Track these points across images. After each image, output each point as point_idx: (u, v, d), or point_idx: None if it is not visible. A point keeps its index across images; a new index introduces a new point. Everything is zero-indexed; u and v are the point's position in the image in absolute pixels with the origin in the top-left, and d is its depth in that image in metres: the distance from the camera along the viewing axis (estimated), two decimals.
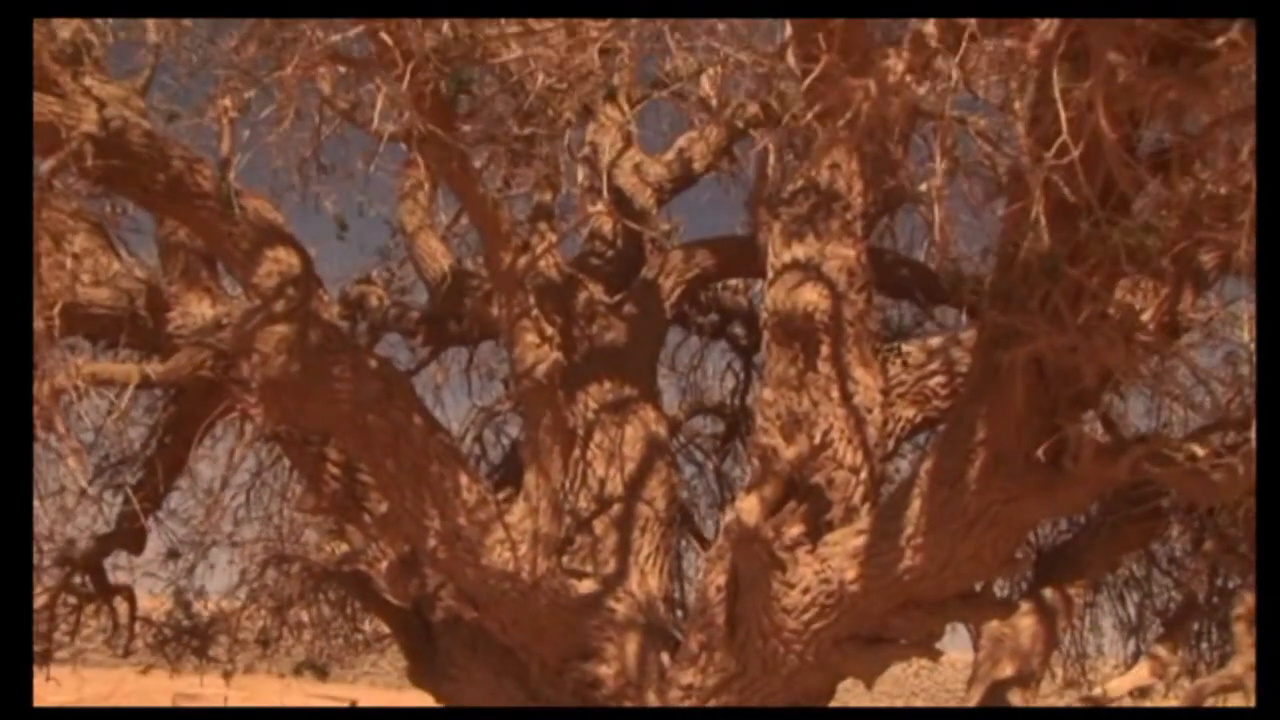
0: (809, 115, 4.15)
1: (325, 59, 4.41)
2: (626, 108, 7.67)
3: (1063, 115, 2.71)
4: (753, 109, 7.59)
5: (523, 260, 5.31)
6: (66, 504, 7.59)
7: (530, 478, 5.44)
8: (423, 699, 7.02)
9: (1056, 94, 2.71)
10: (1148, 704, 6.87)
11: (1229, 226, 3.82)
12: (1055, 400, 4.45)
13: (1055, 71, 2.72)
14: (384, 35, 4.23)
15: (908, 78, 3.04)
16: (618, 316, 6.49)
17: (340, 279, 8.33)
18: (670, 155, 7.83)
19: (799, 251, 5.58)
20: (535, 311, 5.25)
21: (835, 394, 5.42)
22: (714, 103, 7.92)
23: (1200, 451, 4.27)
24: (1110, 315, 3.84)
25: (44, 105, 5.16)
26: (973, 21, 3.19)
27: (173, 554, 8.84)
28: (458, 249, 8.45)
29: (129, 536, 8.04)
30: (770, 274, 5.70)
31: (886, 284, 6.96)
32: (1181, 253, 4.28)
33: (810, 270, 5.48)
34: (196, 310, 6.65)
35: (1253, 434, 4.18)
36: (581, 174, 7.06)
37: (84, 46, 5.15)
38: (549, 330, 5.32)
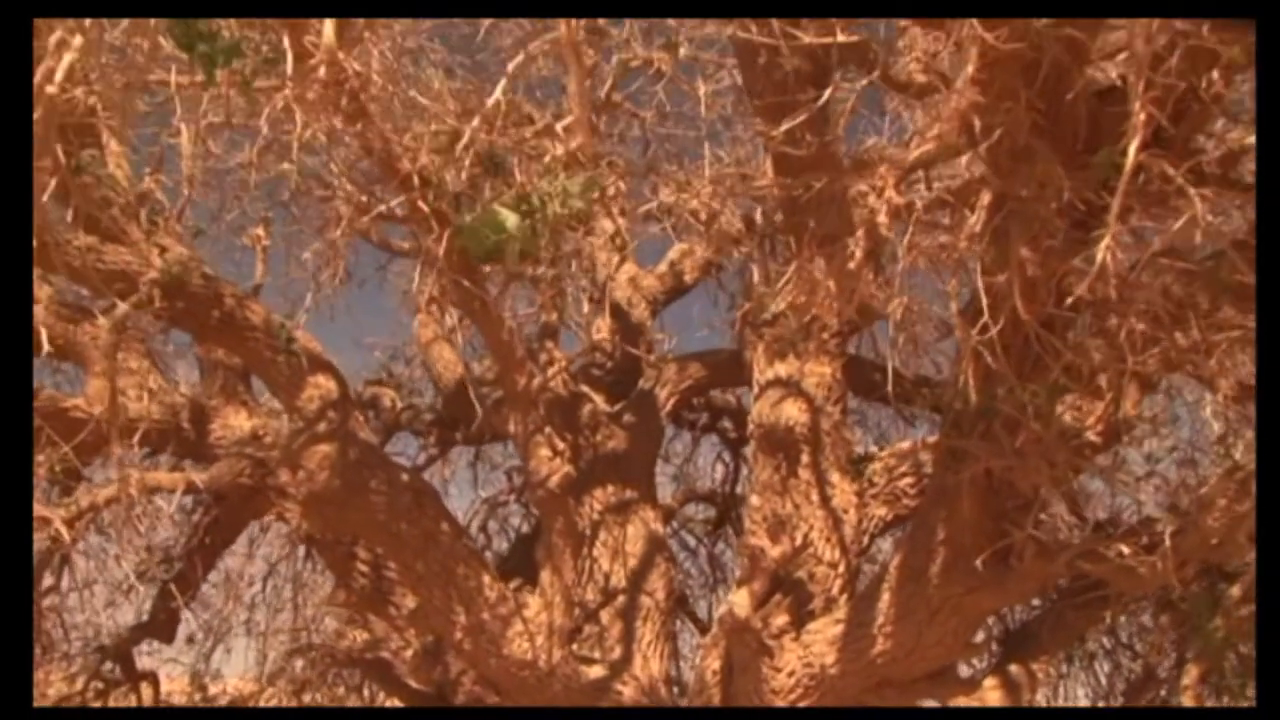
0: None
1: (366, 226, 5.12)
2: (621, 221, 8.42)
3: (984, 299, 3.44)
4: (737, 224, 8.34)
5: (535, 381, 6.01)
6: (109, 597, 8.26)
7: (545, 575, 6.11)
8: None
9: (979, 284, 3.45)
10: None
11: (1155, 354, 4.57)
12: (1002, 507, 5.15)
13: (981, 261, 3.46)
14: (421, 204, 4.95)
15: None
16: (619, 425, 7.19)
17: (351, 375, 9.07)
18: (663, 268, 8.56)
19: (780, 370, 6.31)
20: (548, 429, 5.94)
21: (815, 497, 6.12)
22: (702, 216, 8.68)
23: (1126, 550, 4.97)
24: (1042, 439, 4.54)
25: (117, 255, 5.92)
26: (919, 206, 3.93)
27: (191, 640, 9.50)
28: (466, 351, 9.17)
29: (161, 626, 8.67)
30: (755, 389, 6.43)
31: (861, 388, 7.70)
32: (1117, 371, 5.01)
33: (791, 387, 6.20)
34: (235, 422, 7.33)
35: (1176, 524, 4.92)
36: (582, 287, 7.81)
37: (154, 208, 5.89)
38: (560, 445, 6.01)
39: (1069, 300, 3.63)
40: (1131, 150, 2.77)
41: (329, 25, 4.17)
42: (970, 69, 3.50)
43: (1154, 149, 3.57)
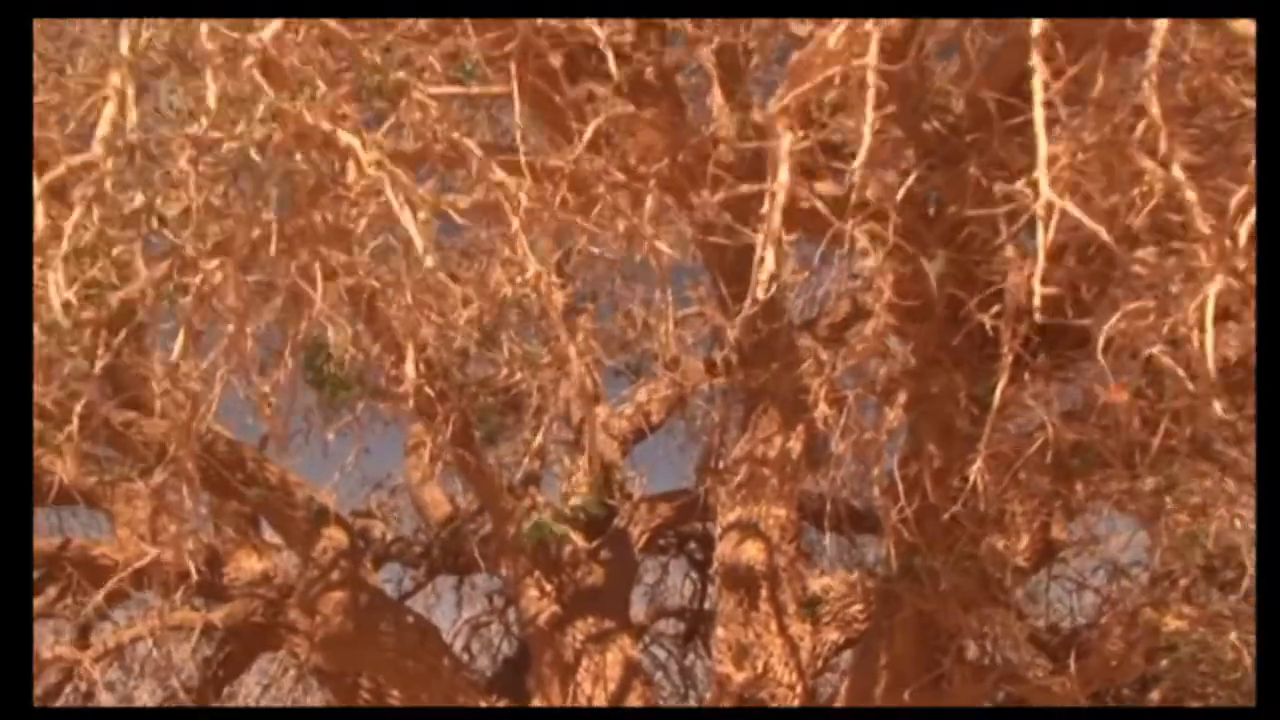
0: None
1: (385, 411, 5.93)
2: (593, 369, 9.26)
3: (899, 485, 4.30)
4: (700, 367, 9.20)
5: (524, 529, 6.82)
6: None
7: (536, 702, 6.86)
8: None
9: (896, 475, 4.29)
10: None
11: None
12: (935, 638, 5.97)
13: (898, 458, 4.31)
14: (429, 389, 5.78)
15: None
16: (596, 562, 7.97)
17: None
18: (631, 409, 9.40)
19: (740, 513, 7.12)
20: (536, 573, 6.73)
21: (774, 627, 6.91)
22: (667, 358, 9.54)
23: (1041, 672, 5.79)
24: (959, 585, 5.38)
25: (154, 428, 6.70)
26: (850, 399, 4.79)
27: None
28: (450, 483, 9.92)
29: None
30: (719, 530, 7.24)
31: (816, 519, 8.52)
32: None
33: (750, 529, 7.02)
34: (247, 565, 8.07)
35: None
36: (560, 439, 8.61)
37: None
38: (547, 586, 6.79)
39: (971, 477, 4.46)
40: (999, 388, 3.62)
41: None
42: (885, 295, 4.37)
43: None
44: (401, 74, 2.89)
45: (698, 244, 5.76)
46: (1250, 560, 5.49)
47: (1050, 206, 2.71)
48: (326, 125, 2.88)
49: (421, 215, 2.85)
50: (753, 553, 6.91)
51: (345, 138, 2.93)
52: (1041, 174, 2.73)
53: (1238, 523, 5.51)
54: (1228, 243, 2.82)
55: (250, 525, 8.28)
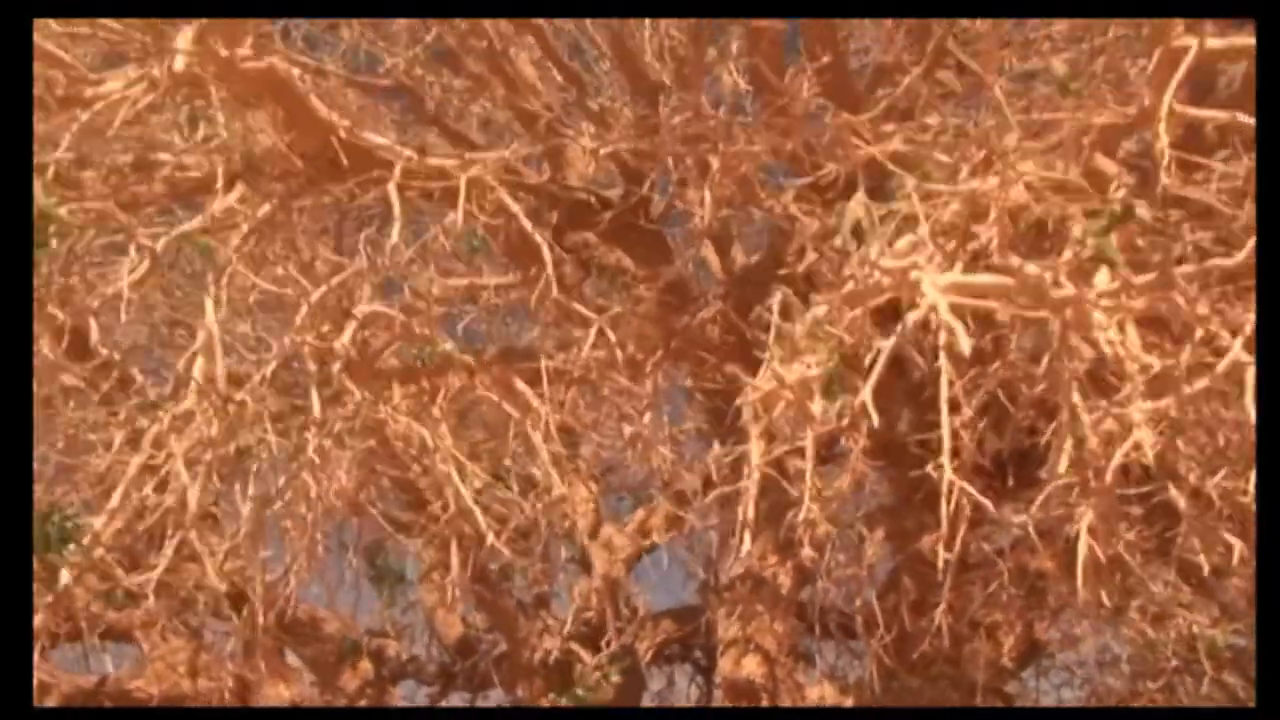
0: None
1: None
2: (594, 488, 9.76)
3: (879, 618, 4.82)
4: (696, 483, 9.70)
5: (538, 656, 7.29)
6: None
7: None
8: None
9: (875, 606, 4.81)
10: None
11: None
12: None
13: None
14: (447, 531, 6.28)
15: None
16: (607, 680, 8.42)
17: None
18: (632, 527, 9.88)
19: (739, 629, 7.60)
20: (550, 694, 7.19)
21: None
22: (665, 477, 10.04)
23: None
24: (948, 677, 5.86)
25: (188, 571, 7.19)
26: (834, 534, 5.30)
27: None
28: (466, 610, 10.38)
29: None
30: (720, 646, 7.72)
31: (811, 628, 8.99)
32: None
33: (749, 645, 7.49)
34: (273, 692, 8.52)
35: None
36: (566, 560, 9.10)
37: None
38: (561, 703, 7.25)
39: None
40: (959, 536, 4.14)
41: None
42: (861, 442, 4.91)
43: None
44: (447, 346, 3.45)
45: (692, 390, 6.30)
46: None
47: None
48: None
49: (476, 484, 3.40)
50: (752, 667, 7.38)
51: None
52: None
53: (1195, 628, 6.00)
54: None
55: (278, 654, 8.74)
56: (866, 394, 3.34)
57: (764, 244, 6.70)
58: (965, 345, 3.19)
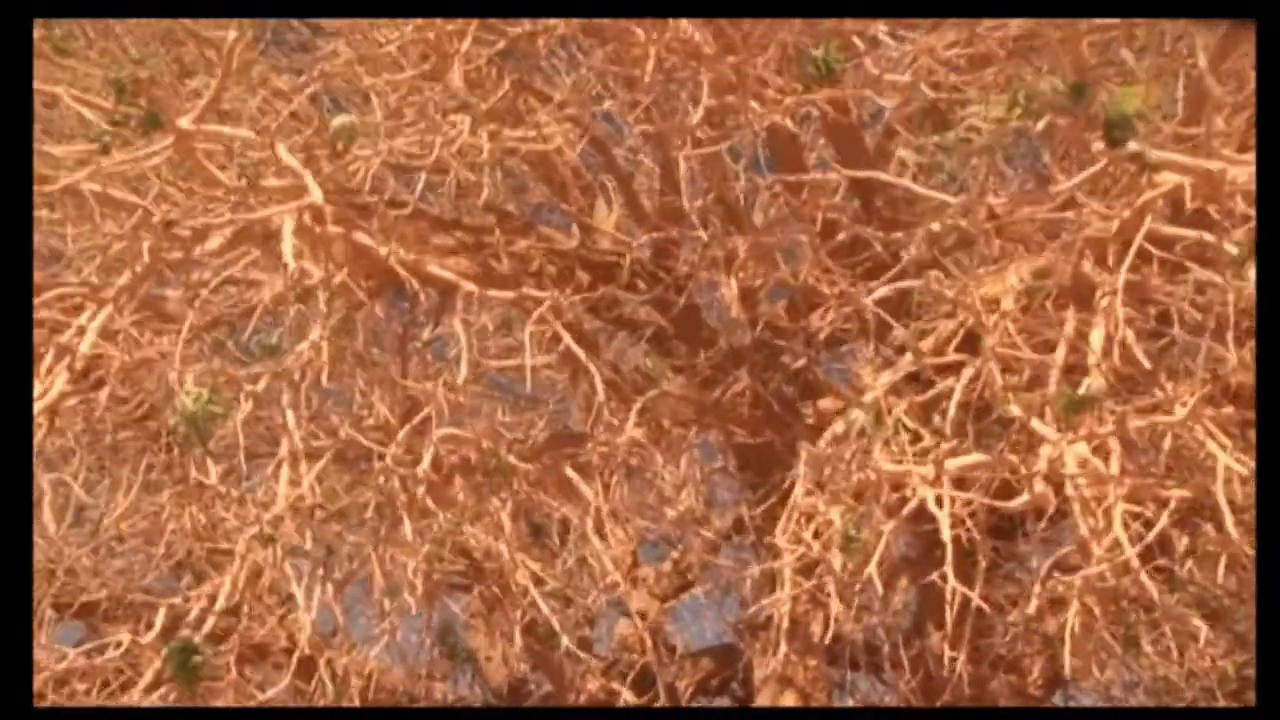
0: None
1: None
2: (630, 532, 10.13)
3: (905, 661, 5.19)
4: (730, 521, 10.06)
5: (582, 698, 7.67)
6: None
7: None
8: None
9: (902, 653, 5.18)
10: None
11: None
12: None
13: None
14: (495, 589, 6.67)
15: None
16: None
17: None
18: (667, 566, 10.26)
19: (774, 666, 7.96)
20: None
21: None
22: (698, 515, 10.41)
23: None
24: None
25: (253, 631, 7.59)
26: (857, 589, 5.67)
27: None
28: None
29: None
30: (757, 682, 8.09)
31: (840, 661, 9.34)
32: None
33: (785, 682, 7.85)
34: None
35: None
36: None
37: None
38: None
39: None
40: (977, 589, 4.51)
41: None
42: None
43: None
44: (510, 458, 3.85)
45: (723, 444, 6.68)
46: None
47: None
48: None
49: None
50: (788, 702, 7.74)
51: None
52: None
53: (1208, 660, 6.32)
54: None
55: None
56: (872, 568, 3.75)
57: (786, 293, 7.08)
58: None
